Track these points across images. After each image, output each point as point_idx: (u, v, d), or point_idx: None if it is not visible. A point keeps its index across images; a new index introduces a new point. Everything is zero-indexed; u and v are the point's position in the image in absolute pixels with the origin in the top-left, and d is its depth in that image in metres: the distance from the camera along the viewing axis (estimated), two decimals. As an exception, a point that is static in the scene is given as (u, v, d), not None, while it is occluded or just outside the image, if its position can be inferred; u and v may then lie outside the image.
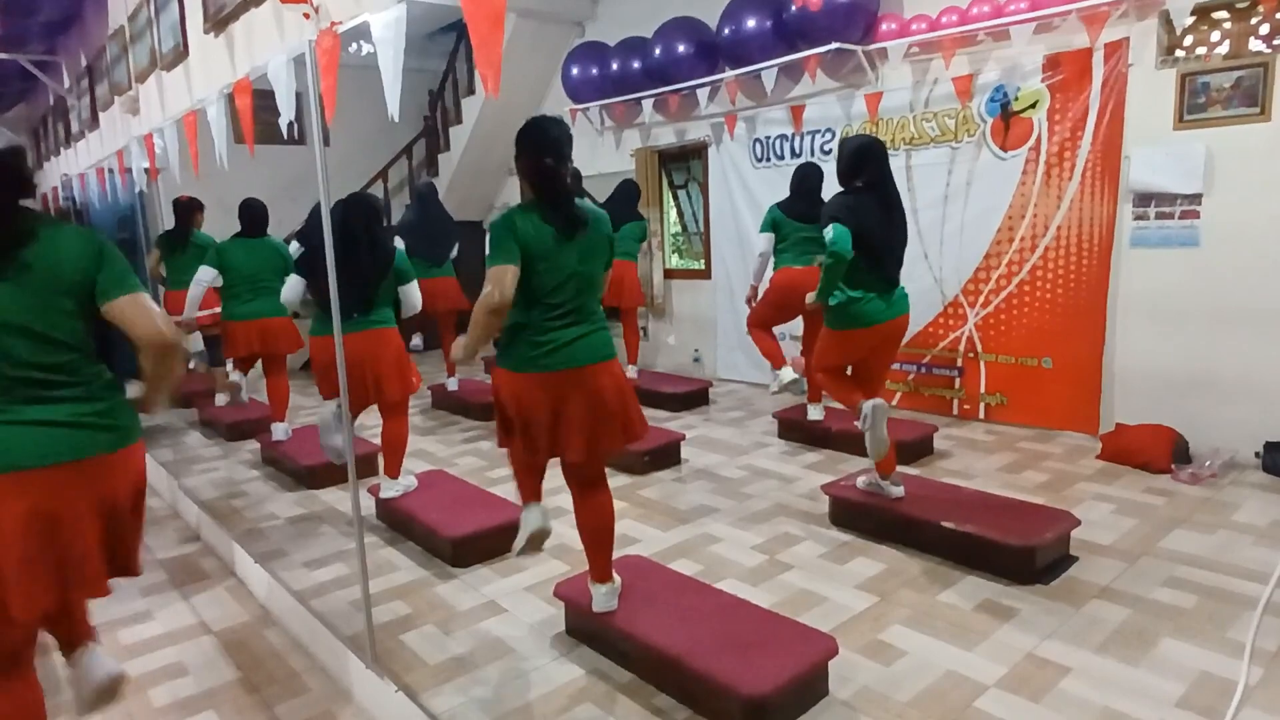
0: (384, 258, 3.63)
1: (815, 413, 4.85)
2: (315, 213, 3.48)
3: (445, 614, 2.94)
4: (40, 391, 1.70)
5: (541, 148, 2.32)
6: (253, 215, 4.88)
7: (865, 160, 3.29)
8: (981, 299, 5.01)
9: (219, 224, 5.60)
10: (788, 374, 4.58)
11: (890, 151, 5.23)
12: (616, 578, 2.65)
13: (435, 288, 5.59)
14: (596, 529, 2.57)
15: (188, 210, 5.87)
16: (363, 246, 3.54)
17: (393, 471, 3.84)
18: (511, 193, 8.51)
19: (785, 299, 4.52)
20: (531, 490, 2.58)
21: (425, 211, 5.96)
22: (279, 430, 4.98)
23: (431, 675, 2.54)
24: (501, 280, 2.23)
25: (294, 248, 3.88)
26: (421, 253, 5.60)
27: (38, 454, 1.67)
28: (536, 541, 2.56)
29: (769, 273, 4.76)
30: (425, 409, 6.28)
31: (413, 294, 3.80)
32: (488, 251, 2.27)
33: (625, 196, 5.99)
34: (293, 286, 3.68)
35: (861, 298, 3.26)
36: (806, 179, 4.60)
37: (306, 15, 2.34)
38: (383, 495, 3.80)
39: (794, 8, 5.17)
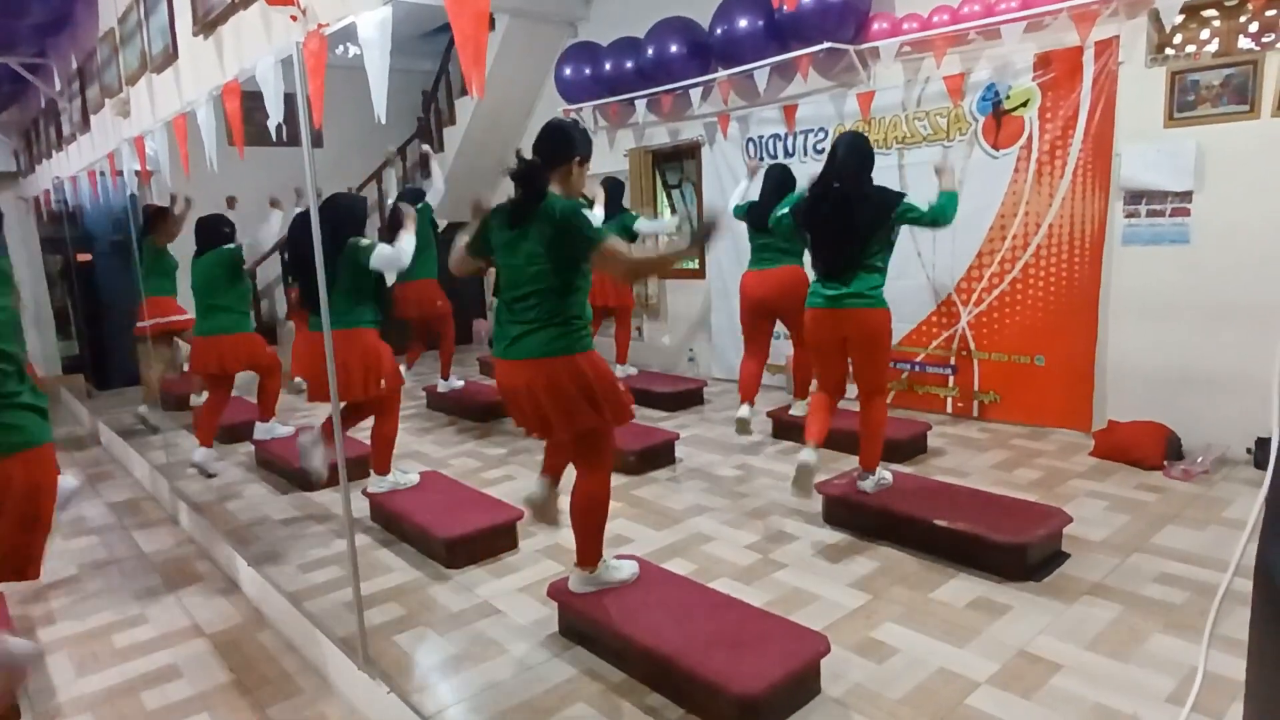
0: (331, 259, 3.41)
1: (799, 409, 4.87)
2: (295, 220, 3.62)
3: (438, 615, 2.95)
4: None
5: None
6: (196, 231, 4.81)
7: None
8: (974, 297, 5.02)
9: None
10: (744, 410, 4.66)
11: (882, 151, 5.30)
12: (600, 568, 2.72)
13: (407, 292, 5.61)
14: (574, 511, 2.68)
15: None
16: (307, 250, 3.38)
17: (379, 469, 3.91)
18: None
19: (744, 298, 4.78)
20: (544, 465, 2.87)
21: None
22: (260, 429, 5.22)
23: (424, 676, 2.54)
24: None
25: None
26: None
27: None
28: (531, 509, 2.89)
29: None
30: (420, 410, 6.27)
31: (385, 260, 3.61)
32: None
33: (609, 195, 5.78)
34: None
35: (814, 280, 3.53)
36: (767, 180, 4.64)
37: (293, 17, 2.34)
38: (369, 490, 3.85)
39: (784, 8, 5.17)
